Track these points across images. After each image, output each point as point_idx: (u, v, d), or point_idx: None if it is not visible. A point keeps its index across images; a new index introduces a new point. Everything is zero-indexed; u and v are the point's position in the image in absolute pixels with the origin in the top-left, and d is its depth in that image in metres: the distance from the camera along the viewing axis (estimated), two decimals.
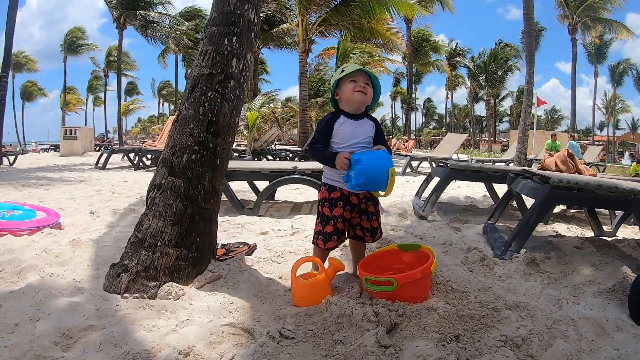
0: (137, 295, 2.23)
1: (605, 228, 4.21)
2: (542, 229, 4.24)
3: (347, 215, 2.50)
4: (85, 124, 37.55)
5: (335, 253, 3.20)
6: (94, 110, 69.96)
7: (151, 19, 26.36)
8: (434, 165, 6.36)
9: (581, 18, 33.25)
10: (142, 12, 25.80)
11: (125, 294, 2.23)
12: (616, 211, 4.51)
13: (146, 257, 2.36)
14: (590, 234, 4.17)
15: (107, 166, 12.34)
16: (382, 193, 2.37)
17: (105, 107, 54.15)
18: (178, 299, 2.25)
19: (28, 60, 53.53)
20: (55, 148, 26.93)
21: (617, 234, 4.15)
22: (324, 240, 2.51)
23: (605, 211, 4.90)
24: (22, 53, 53.09)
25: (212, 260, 2.62)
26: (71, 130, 22.21)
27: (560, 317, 2.02)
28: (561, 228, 4.33)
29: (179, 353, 1.66)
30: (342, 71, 2.48)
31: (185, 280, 2.39)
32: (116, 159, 14.82)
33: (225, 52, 2.58)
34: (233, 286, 2.41)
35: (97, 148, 14.97)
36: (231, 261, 2.66)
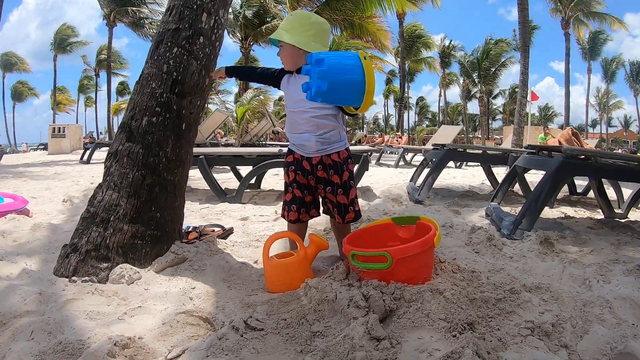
0: (87, 278, 1.95)
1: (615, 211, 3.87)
2: (548, 211, 3.89)
3: (302, 181, 2.17)
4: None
5: (320, 232, 2.85)
6: (85, 110, 68.90)
7: (142, 15, 25.95)
8: None
9: (574, 12, 33.05)
10: (132, 8, 25.37)
11: (74, 277, 1.96)
12: (624, 193, 4.23)
13: (97, 234, 2.03)
14: (600, 216, 3.82)
15: (93, 161, 11.94)
16: (353, 109, 1.86)
17: (96, 107, 53.45)
18: (132, 283, 1.93)
19: (19, 60, 52.83)
20: (44, 147, 26.36)
21: (628, 216, 3.81)
22: (287, 210, 2.22)
23: (613, 196, 4.58)
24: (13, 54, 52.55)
25: (178, 241, 2.26)
26: (60, 128, 21.75)
27: (592, 299, 1.67)
28: (569, 211, 3.99)
29: (114, 344, 1.32)
30: None
31: (142, 262, 2.06)
32: (102, 155, 14.42)
33: (194, 6, 2.27)
34: (198, 270, 2.06)
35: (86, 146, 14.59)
36: (200, 243, 2.31)
